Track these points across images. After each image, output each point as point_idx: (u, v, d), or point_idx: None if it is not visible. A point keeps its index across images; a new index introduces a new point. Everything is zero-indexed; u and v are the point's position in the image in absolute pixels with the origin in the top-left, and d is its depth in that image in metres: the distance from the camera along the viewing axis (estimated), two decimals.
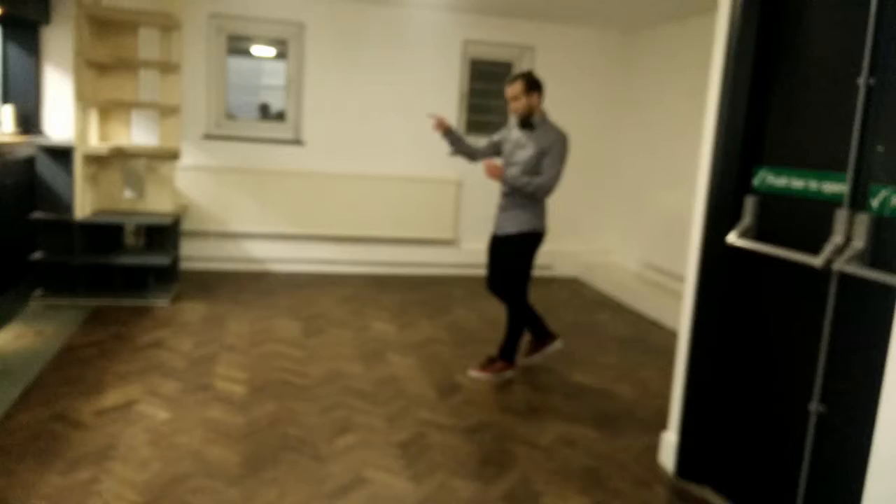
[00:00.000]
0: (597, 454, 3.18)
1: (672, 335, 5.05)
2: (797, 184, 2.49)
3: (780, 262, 2.52)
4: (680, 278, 5.69)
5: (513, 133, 3.96)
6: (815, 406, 2.37)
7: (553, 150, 3.78)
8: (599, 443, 3.30)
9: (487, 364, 4.09)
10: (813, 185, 2.42)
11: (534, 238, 3.94)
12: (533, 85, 3.79)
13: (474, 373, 4.07)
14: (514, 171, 3.85)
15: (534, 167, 3.81)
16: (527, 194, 3.82)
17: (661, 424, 3.29)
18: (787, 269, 2.50)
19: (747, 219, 2.68)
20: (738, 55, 2.70)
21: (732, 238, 2.68)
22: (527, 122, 3.85)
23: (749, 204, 2.67)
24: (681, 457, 2.99)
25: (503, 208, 3.97)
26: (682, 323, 3.01)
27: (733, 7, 2.72)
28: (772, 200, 2.62)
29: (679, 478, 2.99)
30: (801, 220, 2.49)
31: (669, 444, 3.07)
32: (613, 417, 3.62)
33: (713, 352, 2.87)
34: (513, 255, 3.95)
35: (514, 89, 3.80)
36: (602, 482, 2.93)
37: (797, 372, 2.46)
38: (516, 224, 3.90)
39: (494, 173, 3.81)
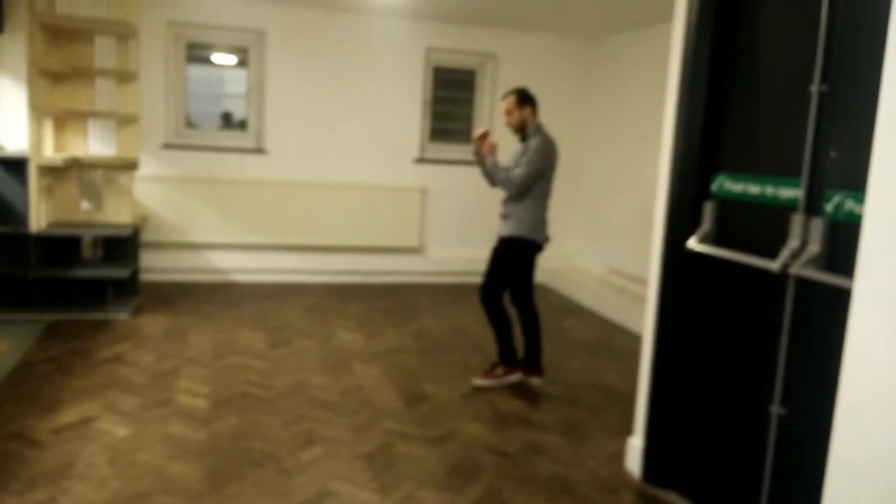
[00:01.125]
0: (564, 461, 3.19)
1: (636, 339, 5.08)
2: (754, 189, 2.53)
3: (739, 267, 2.56)
4: (644, 283, 5.74)
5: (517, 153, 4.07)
6: (775, 408, 2.41)
7: (530, 150, 3.88)
8: (566, 449, 3.31)
9: (490, 370, 4.11)
10: (769, 190, 2.46)
11: (524, 244, 3.98)
12: (525, 99, 3.94)
13: (478, 381, 4.07)
14: (492, 159, 3.98)
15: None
16: (502, 187, 3.93)
17: (627, 430, 3.31)
18: (745, 274, 2.54)
19: (706, 224, 2.71)
20: (695, 62, 2.74)
21: (692, 243, 2.71)
22: (524, 136, 3.99)
23: (708, 209, 2.71)
24: (647, 462, 3.02)
25: (502, 215, 4.06)
26: (646, 327, 3.04)
27: (689, 15, 2.76)
28: (730, 206, 2.66)
29: (646, 483, 3.01)
30: (758, 225, 2.53)
31: (635, 449, 3.09)
32: (580, 424, 3.63)
33: (676, 356, 2.90)
34: (501, 256, 4.02)
35: (507, 104, 3.96)
36: (569, 489, 2.93)
37: (758, 374, 2.50)
38: (509, 228, 3.99)
39: (485, 148, 3.95)
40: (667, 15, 5.24)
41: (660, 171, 2.93)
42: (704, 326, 2.80)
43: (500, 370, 4.09)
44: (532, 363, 4.12)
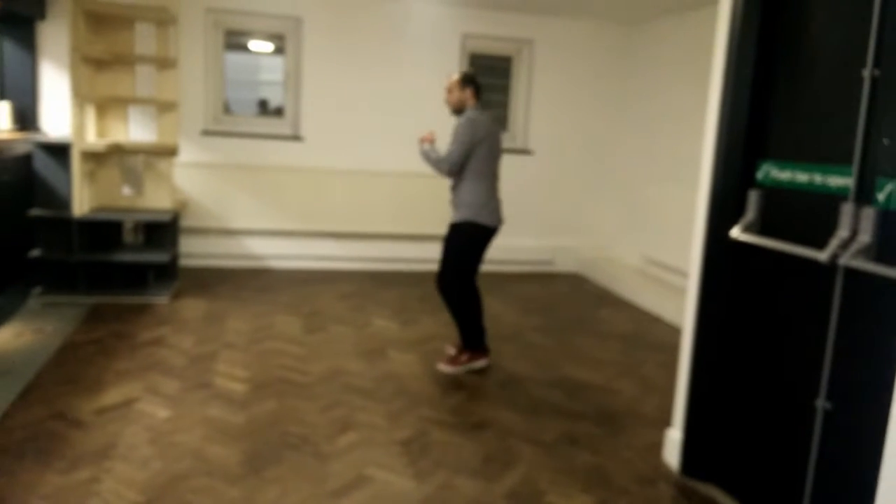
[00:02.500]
0: (600, 451, 3.16)
1: (674, 330, 5.03)
2: (802, 177, 2.46)
3: (785, 257, 2.49)
4: (681, 273, 5.66)
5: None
6: (821, 403, 2.35)
7: (456, 129, 3.95)
8: (603, 440, 3.28)
9: (455, 357, 4.11)
10: (818, 178, 2.39)
11: (472, 229, 3.97)
12: (467, 81, 4.04)
13: (443, 367, 4.06)
14: (425, 147, 4.08)
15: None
16: (436, 168, 4.01)
17: (665, 421, 3.27)
18: (792, 264, 2.48)
19: (751, 213, 2.65)
20: (740, 48, 2.67)
21: (736, 233, 2.65)
22: (458, 112, 4.06)
23: (753, 198, 2.65)
24: (686, 454, 2.97)
25: (451, 202, 4.09)
26: (686, 319, 2.99)
27: None
28: (776, 194, 2.59)
29: (684, 475, 2.96)
30: (805, 215, 2.46)
31: (674, 441, 3.05)
32: (616, 414, 3.60)
33: (717, 348, 2.85)
34: (452, 242, 4.04)
35: (450, 81, 4.06)
36: (606, 480, 2.91)
37: (803, 368, 2.44)
38: (457, 215, 4.02)
39: (424, 139, 4.08)
40: (708, 0, 5.14)
41: (703, 158, 2.87)
42: (746, 318, 2.74)
43: (464, 356, 4.07)
44: (470, 342, 4.10)
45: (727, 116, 2.72)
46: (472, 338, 4.08)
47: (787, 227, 2.53)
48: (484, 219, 3.97)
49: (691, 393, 2.96)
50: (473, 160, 3.92)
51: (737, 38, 2.68)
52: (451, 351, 4.19)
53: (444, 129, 6.64)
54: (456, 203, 4.02)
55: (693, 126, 5.61)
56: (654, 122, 6.38)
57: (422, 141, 4.10)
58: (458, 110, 4.05)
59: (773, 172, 2.59)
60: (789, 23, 2.55)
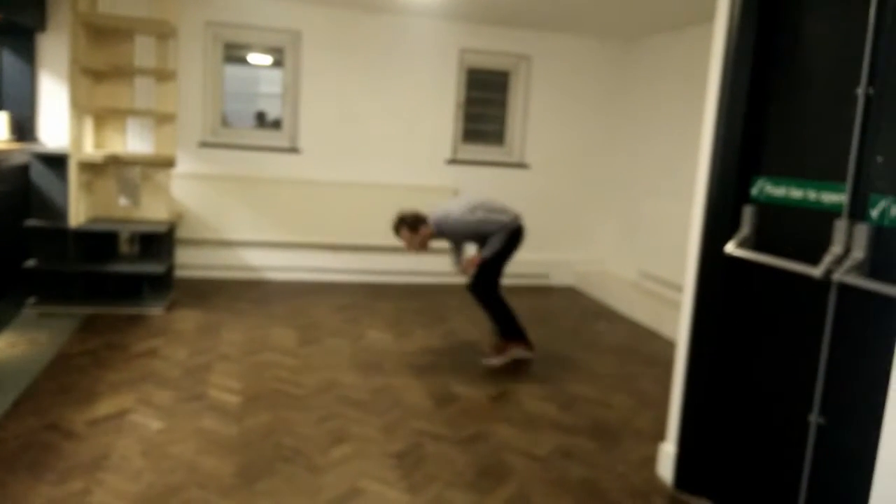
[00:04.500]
0: (594, 465, 3.16)
1: (669, 345, 5.03)
2: (796, 194, 2.48)
3: (779, 273, 2.50)
4: (677, 287, 5.67)
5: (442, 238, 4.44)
6: (814, 417, 2.36)
7: (461, 223, 4.29)
8: (597, 454, 3.28)
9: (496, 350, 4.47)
10: (812, 194, 2.41)
11: (508, 234, 4.38)
12: (414, 224, 4.22)
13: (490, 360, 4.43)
14: (488, 250, 4.33)
15: (472, 230, 4.36)
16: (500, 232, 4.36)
17: (659, 435, 3.27)
18: (786, 280, 2.49)
19: (745, 228, 2.67)
20: (736, 64, 2.69)
21: (730, 248, 2.67)
22: (424, 244, 4.31)
23: (747, 213, 2.66)
24: (679, 468, 2.97)
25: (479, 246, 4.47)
26: (681, 333, 3.00)
27: (731, 16, 2.71)
28: (770, 210, 2.60)
29: (678, 490, 2.96)
30: (799, 230, 2.48)
31: (668, 455, 3.05)
32: (611, 428, 3.60)
33: (712, 362, 2.85)
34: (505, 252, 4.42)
35: (403, 237, 4.26)
36: (600, 494, 2.90)
37: (797, 383, 2.45)
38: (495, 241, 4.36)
39: (474, 263, 4.36)
40: (705, 16, 5.19)
41: (698, 174, 2.89)
42: (741, 333, 2.75)
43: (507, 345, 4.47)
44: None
45: (722, 132, 2.75)
46: (517, 330, 4.50)
47: (781, 243, 2.54)
48: (516, 223, 4.45)
49: (685, 407, 2.96)
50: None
51: (732, 54, 2.70)
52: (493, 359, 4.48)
53: (440, 141, 6.69)
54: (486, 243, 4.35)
55: (689, 141, 5.65)
56: (651, 136, 6.42)
57: (472, 266, 4.35)
58: (424, 245, 4.28)
59: (768, 188, 2.61)
60: (784, 40, 2.58)
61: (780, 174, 2.56)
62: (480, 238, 4.35)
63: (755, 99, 2.66)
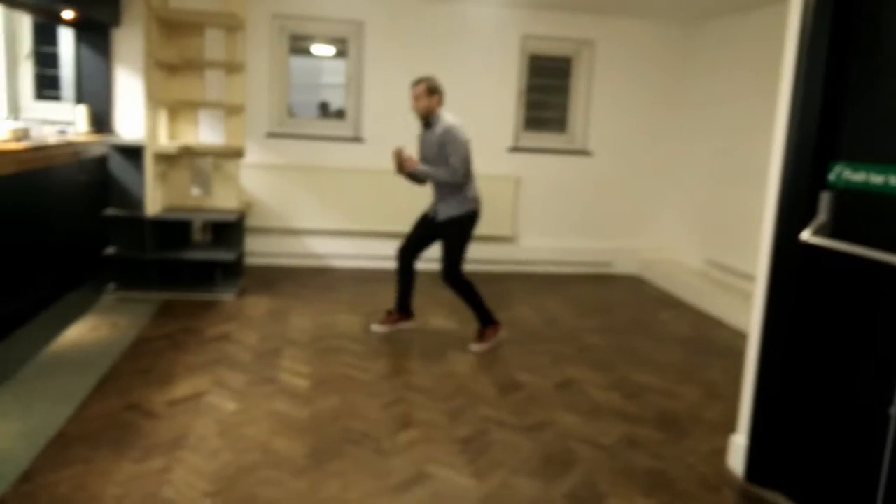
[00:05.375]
0: (662, 456, 3.13)
1: (737, 334, 4.92)
2: (876, 179, 2.39)
3: (858, 261, 2.42)
4: (745, 276, 5.54)
5: (422, 134, 4.44)
6: (895, 410, 2.28)
7: (448, 141, 4.21)
8: (664, 444, 3.24)
9: (478, 338, 4.46)
10: (894, 180, 2.32)
11: (471, 219, 4.38)
12: (433, 90, 4.28)
13: (475, 346, 4.40)
14: (423, 167, 4.32)
15: (441, 159, 4.26)
16: (445, 182, 4.26)
17: (729, 427, 3.21)
18: (865, 268, 2.41)
19: (822, 215, 2.58)
20: (812, 45, 2.60)
21: (806, 235, 2.59)
22: (427, 122, 4.34)
23: (824, 200, 2.58)
24: (751, 461, 2.91)
25: (437, 198, 4.43)
26: (753, 323, 2.93)
27: None
28: (849, 196, 2.52)
29: (749, 482, 2.91)
30: (880, 217, 2.39)
31: (739, 447, 2.99)
32: (678, 419, 3.55)
33: (785, 353, 2.78)
34: (458, 235, 4.37)
35: (417, 90, 4.28)
36: (668, 485, 2.88)
37: (876, 375, 2.37)
38: (458, 208, 4.33)
39: (408, 164, 4.28)
40: None
41: (772, 159, 2.81)
42: (816, 323, 2.67)
43: (490, 331, 4.45)
44: (486, 318, 4.49)
45: (798, 116, 2.66)
46: (487, 313, 4.45)
47: (860, 230, 2.45)
48: (477, 205, 4.40)
49: (757, 398, 2.90)
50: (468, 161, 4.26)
51: (808, 35, 2.61)
52: (489, 332, 4.49)
53: (501, 129, 6.67)
54: (457, 199, 4.31)
55: (759, 126, 5.49)
56: (718, 122, 6.25)
57: (404, 163, 4.28)
58: (425, 117, 4.31)
59: (846, 174, 2.52)
60: (864, 19, 2.48)
61: (860, 159, 2.47)
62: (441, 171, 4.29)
63: (832, 82, 2.57)
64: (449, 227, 4.36)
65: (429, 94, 4.26)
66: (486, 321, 4.46)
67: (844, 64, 2.54)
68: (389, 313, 4.69)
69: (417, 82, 4.29)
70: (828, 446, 2.61)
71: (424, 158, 4.40)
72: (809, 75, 2.62)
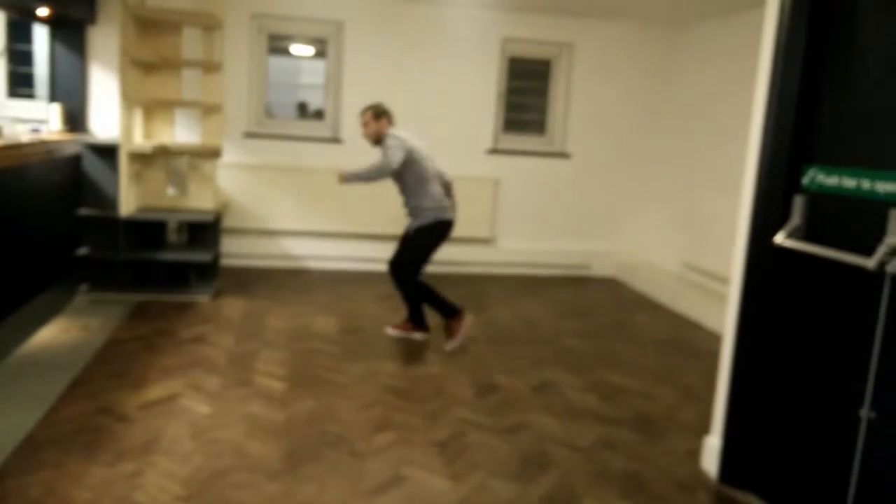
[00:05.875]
0: (638, 457, 3.14)
1: (713, 337, 4.96)
2: (849, 183, 2.42)
3: (830, 264, 2.45)
4: (721, 279, 5.59)
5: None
6: (866, 412, 2.31)
7: (383, 146, 4.31)
8: (640, 446, 3.26)
9: (448, 334, 4.48)
10: (866, 184, 2.35)
11: (440, 227, 4.42)
12: (379, 114, 4.38)
13: (449, 345, 4.43)
14: (350, 170, 4.37)
15: (396, 172, 4.33)
16: (378, 174, 4.30)
17: (704, 429, 3.23)
18: (837, 271, 2.43)
19: (796, 219, 2.61)
20: (788, 50, 2.63)
21: (780, 238, 2.61)
22: (378, 142, 4.40)
23: (798, 203, 2.60)
24: (724, 462, 2.94)
25: (408, 214, 4.52)
26: (727, 325, 2.95)
27: (783, 0, 2.65)
28: (822, 200, 2.55)
29: (723, 483, 2.93)
30: (852, 221, 2.42)
31: (713, 448, 3.01)
32: (654, 420, 3.57)
33: (759, 355, 2.80)
34: (422, 241, 4.43)
35: (365, 118, 4.40)
36: (644, 486, 2.89)
37: (847, 376, 2.40)
38: (423, 218, 4.41)
39: (340, 179, 4.37)
40: (755, 1, 5.07)
41: (747, 163, 2.84)
42: (790, 325, 2.69)
43: (455, 324, 4.45)
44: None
45: (772, 120, 2.69)
46: (449, 307, 4.44)
47: (833, 234, 2.48)
48: (447, 214, 4.44)
49: (731, 400, 2.92)
50: (416, 167, 4.31)
51: (784, 38, 2.64)
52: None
53: (481, 131, 6.67)
54: (417, 210, 4.40)
55: (736, 130, 5.54)
56: (696, 125, 6.31)
57: (344, 178, 4.36)
58: (377, 140, 4.38)
59: (820, 177, 2.55)
60: (839, 25, 2.51)
61: (833, 163, 2.50)
62: (406, 192, 4.41)
63: (807, 85, 2.60)
64: (419, 231, 4.42)
65: (376, 118, 4.36)
66: (450, 314, 4.45)
67: (819, 68, 2.57)
68: (406, 321, 4.65)
69: (364, 111, 4.41)
70: (800, 448, 2.64)
71: (396, 172, 4.36)
72: (784, 79, 2.65)
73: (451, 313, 4.46)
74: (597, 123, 6.87)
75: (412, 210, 4.44)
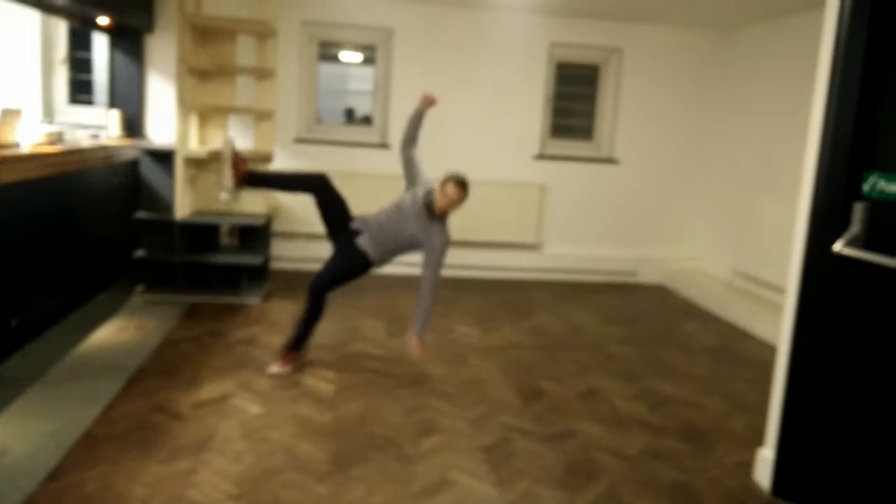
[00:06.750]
0: (687, 468, 3.09)
1: (764, 346, 4.86)
2: None
3: (890, 273, 2.38)
4: (773, 287, 5.46)
5: (419, 212, 4.09)
6: None
7: (441, 242, 4.03)
8: (689, 456, 3.20)
9: (279, 358, 3.96)
10: None
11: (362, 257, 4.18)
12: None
13: (273, 368, 3.90)
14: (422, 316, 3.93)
15: (412, 242, 4.14)
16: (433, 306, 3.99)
17: (755, 440, 3.16)
18: None
19: (856, 226, 2.54)
20: (848, 53, 2.57)
21: (839, 247, 2.55)
22: (439, 216, 4.04)
23: (858, 211, 2.54)
24: (778, 475, 2.87)
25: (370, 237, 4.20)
26: (782, 335, 2.89)
27: (842, 3, 2.59)
28: (883, 207, 2.48)
29: (775, 496, 2.86)
30: None
31: (765, 460, 2.95)
32: (703, 431, 3.50)
33: (816, 366, 2.74)
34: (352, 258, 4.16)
35: (460, 194, 3.97)
36: (693, 497, 2.84)
37: None
38: (364, 245, 4.20)
39: (419, 347, 3.88)
40: (809, 4, 4.96)
41: (805, 169, 2.77)
42: (847, 335, 2.62)
43: (292, 356, 3.96)
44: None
45: (832, 126, 2.62)
46: (303, 341, 4.00)
47: (894, 242, 2.41)
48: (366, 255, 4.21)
49: (786, 411, 2.85)
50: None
51: (844, 43, 2.58)
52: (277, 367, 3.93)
53: (528, 137, 6.65)
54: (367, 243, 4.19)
55: (789, 136, 5.43)
56: (748, 131, 6.19)
57: (419, 341, 3.90)
58: (444, 214, 4.06)
59: (881, 184, 2.48)
60: None
61: (895, 170, 2.43)
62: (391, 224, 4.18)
63: (868, 91, 2.53)
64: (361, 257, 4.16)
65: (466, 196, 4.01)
66: (296, 346, 3.98)
67: (880, 73, 2.50)
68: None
69: (462, 184, 3.99)
70: (857, 462, 2.57)
71: (393, 219, 4.19)
72: (844, 84, 2.58)
73: (300, 346, 4.03)
74: (645, 129, 6.79)
75: (371, 237, 4.21)
